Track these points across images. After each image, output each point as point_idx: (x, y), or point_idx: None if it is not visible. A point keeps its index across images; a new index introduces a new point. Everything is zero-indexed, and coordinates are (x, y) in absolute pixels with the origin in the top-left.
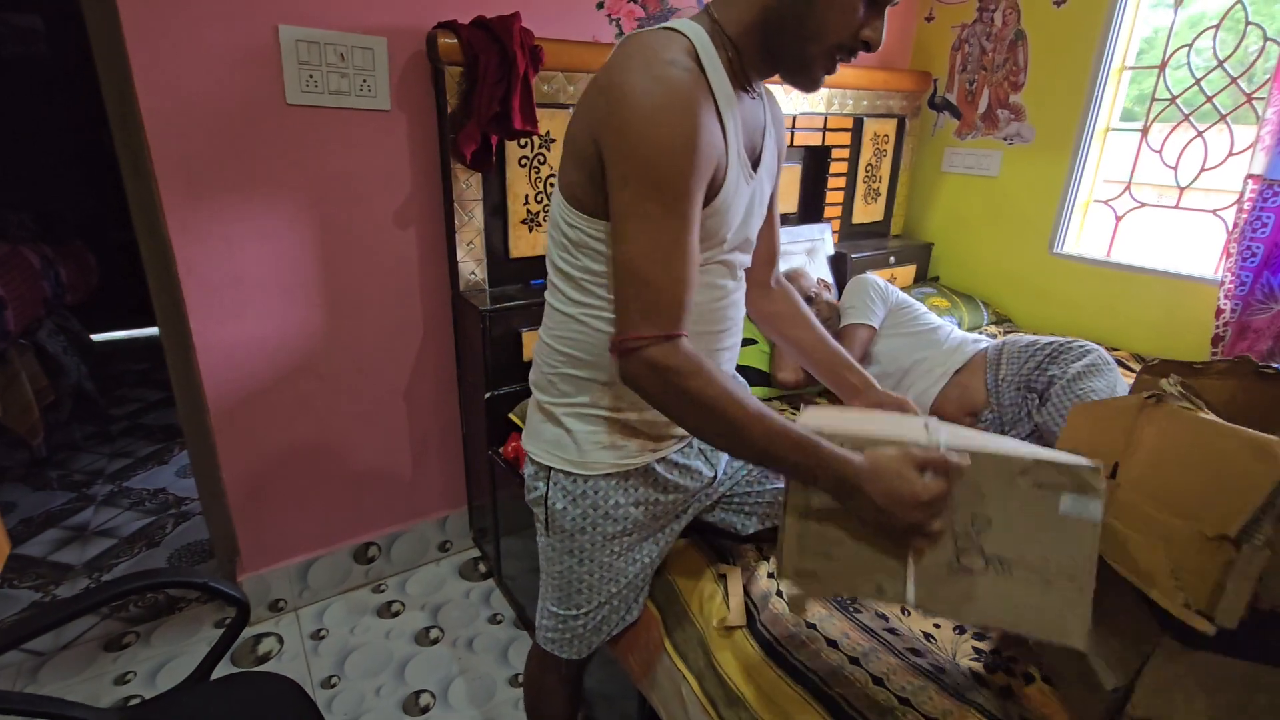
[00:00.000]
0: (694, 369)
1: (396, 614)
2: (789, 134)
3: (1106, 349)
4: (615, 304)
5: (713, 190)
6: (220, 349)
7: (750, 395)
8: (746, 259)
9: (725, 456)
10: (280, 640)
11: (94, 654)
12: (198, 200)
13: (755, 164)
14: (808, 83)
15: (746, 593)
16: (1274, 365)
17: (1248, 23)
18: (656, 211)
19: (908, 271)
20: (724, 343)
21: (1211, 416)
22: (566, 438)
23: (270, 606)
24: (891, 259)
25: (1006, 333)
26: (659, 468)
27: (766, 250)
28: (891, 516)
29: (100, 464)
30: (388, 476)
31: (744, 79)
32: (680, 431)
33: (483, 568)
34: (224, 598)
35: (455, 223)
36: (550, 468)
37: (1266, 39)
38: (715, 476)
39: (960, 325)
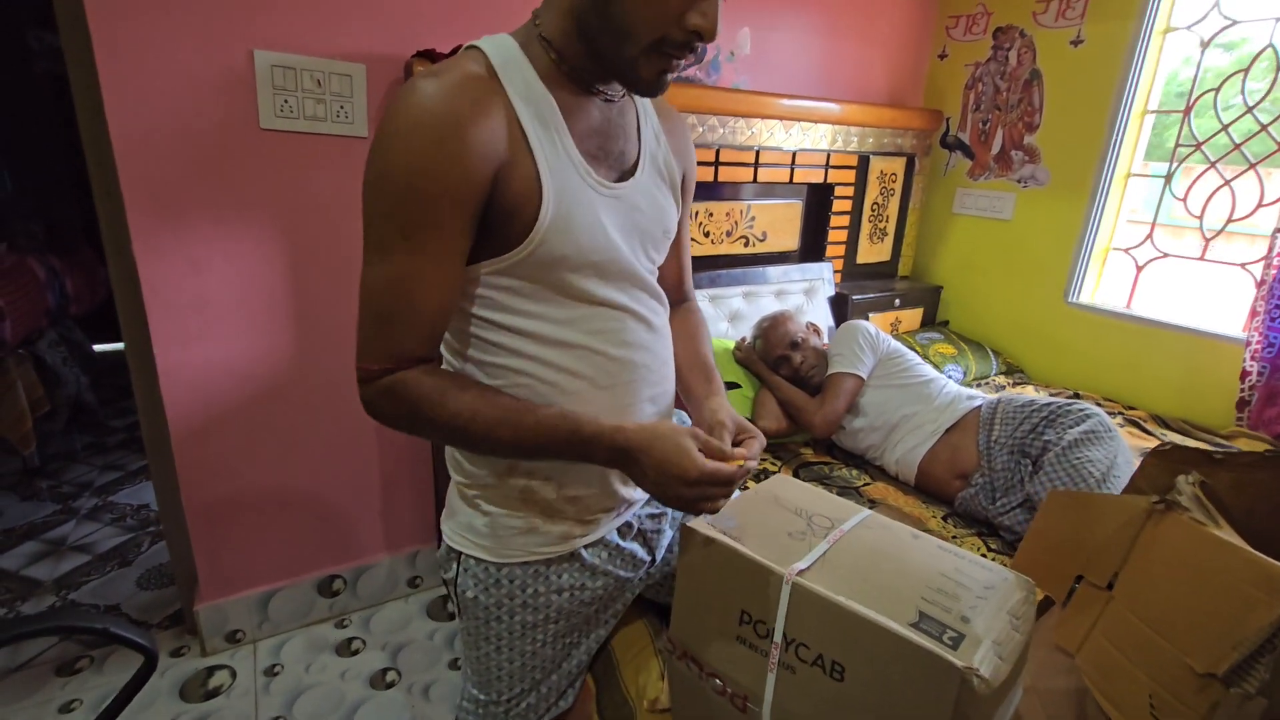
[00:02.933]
0: (421, 396)
1: (356, 652)
2: (788, 170)
3: (1124, 407)
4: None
5: (526, 213)
6: (184, 371)
7: (497, 397)
8: (649, 301)
9: (667, 537)
10: (233, 674)
11: (46, 677)
12: (165, 222)
13: (627, 172)
14: (641, 86)
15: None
16: None
17: None
18: (394, 243)
19: (915, 315)
20: (647, 392)
21: (1226, 533)
22: (479, 520)
23: (227, 638)
24: (897, 301)
25: (1017, 384)
26: (587, 554)
27: (668, 285)
28: (664, 488)
29: (90, 476)
30: (357, 507)
31: (584, 82)
32: (617, 507)
33: (451, 607)
34: (128, 645)
35: None
36: (460, 552)
37: None
38: (653, 560)
39: (967, 374)
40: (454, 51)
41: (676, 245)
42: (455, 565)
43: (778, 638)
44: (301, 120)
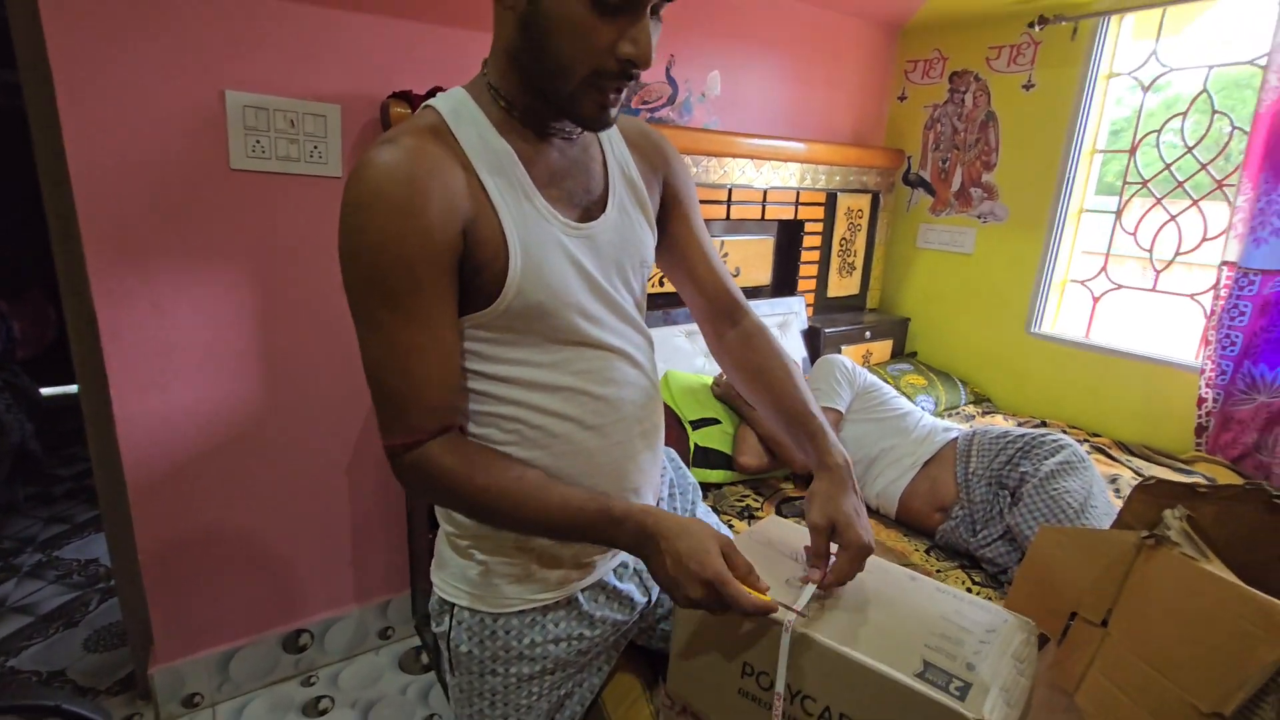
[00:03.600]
0: (444, 472)
1: (324, 712)
2: (760, 207)
3: (1087, 434)
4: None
5: (496, 267)
6: (143, 419)
7: (524, 474)
8: (634, 336)
9: None
10: None
11: None
12: (128, 264)
13: (595, 207)
14: (584, 121)
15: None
16: None
17: (1214, 111)
18: (381, 315)
19: (884, 346)
20: (634, 429)
21: (1217, 568)
22: (473, 570)
23: (184, 702)
24: (868, 334)
25: (985, 413)
26: (583, 599)
27: (702, 301)
28: (678, 582)
29: (34, 530)
30: (325, 557)
31: (538, 126)
32: (613, 551)
33: (425, 659)
34: None
35: None
36: (454, 604)
37: (1234, 127)
38: (650, 601)
39: (937, 405)
40: (430, 94)
41: (704, 256)
42: (448, 618)
43: (780, 688)
44: (274, 160)
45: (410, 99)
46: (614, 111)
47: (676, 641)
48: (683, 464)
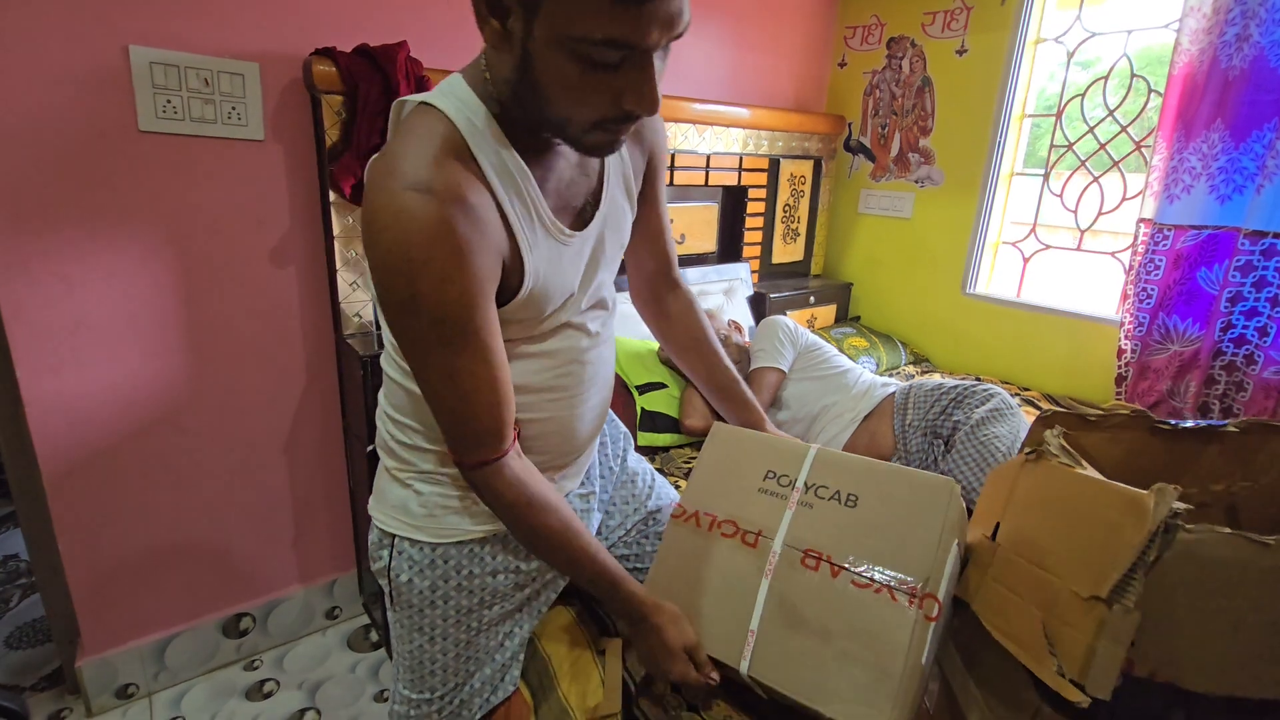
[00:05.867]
0: (509, 502)
1: (269, 695)
2: (703, 173)
3: (1019, 389)
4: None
5: (510, 285)
6: (56, 401)
7: (575, 524)
8: (601, 314)
9: (596, 518)
10: None
11: None
12: (28, 235)
13: (589, 212)
14: (591, 153)
15: (626, 670)
16: (1171, 421)
17: (1133, 75)
18: (434, 345)
19: (828, 311)
20: (585, 401)
21: (1090, 472)
22: (413, 501)
23: (118, 694)
24: (812, 299)
25: (924, 373)
26: None
27: (652, 264)
28: (655, 657)
29: None
30: (265, 539)
31: (545, 136)
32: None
33: (374, 636)
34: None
35: (336, 261)
36: (394, 535)
37: (1150, 90)
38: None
39: (879, 366)
40: (359, 51)
41: (663, 223)
42: (388, 551)
43: (800, 483)
44: (188, 122)
45: (335, 56)
46: (623, 139)
47: (700, 465)
48: (613, 415)
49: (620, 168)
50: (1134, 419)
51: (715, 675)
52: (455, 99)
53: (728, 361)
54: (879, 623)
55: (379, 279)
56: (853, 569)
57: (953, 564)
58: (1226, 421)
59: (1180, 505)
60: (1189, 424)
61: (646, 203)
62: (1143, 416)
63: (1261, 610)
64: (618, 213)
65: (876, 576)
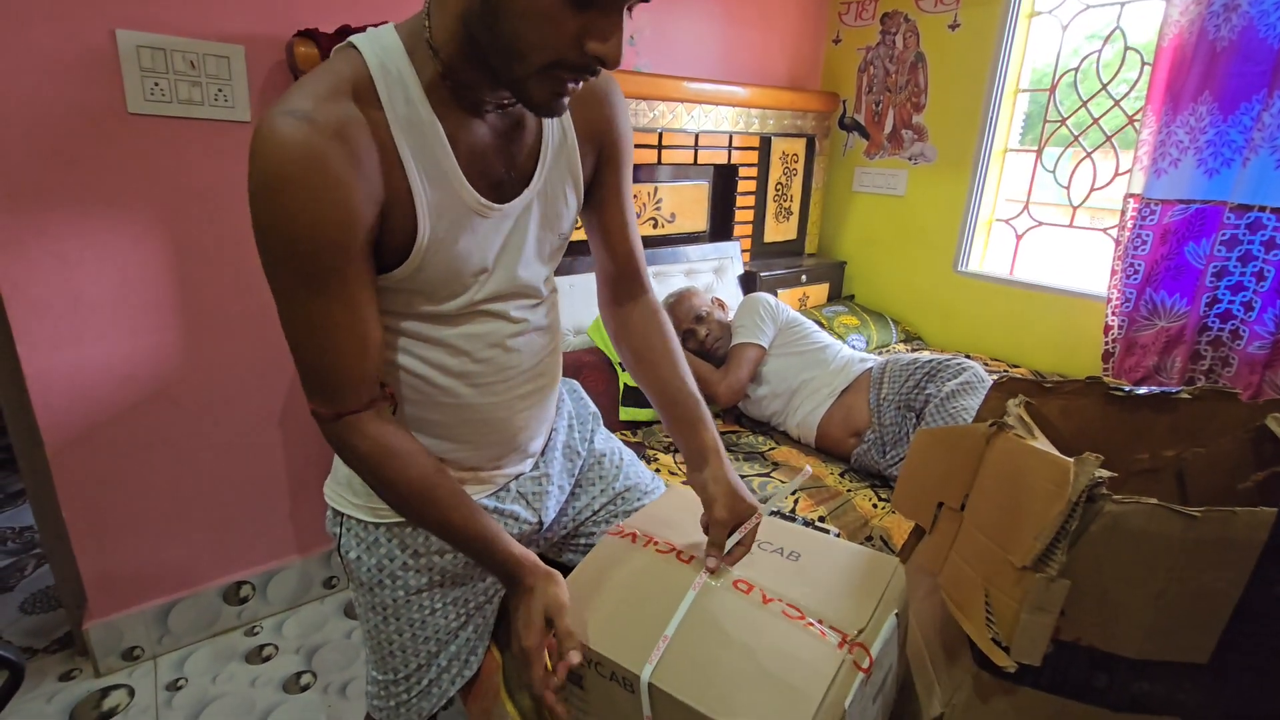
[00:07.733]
0: (364, 453)
1: (268, 659)
2: (692, 151)
3: (1008, 366)
4: None
5: (399, 244)
6: (56, 376)
7: (439, 477)
8: (526, 302)
9: (555, 499)
10: (131, 693)
11: None
12: (24, 215)
13: (510, 189)
14: (533, 107)
15: None
16: (1125, 387)
17: (1126, 47)
18: (298, 294)
19: (821, 290)
20: (514, 390)
21: (1040, 443)
22: (356, 479)
23: (124, 655)
24: (804, 277)
25: (914, 350)
26: None
27: (612, 266)
28: (518, 625)
29: None
30: (263, 509)
31: (472, 100)
32: (491, 473)
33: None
34: None
35: None
36: (343, 514)
37: (1144, 63)
38: (541, 523)
39: (869, 343)
40: (339, 34)
41: (622, 222)
42: (339, 529)
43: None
44: (175, 104)
45: (317, 38)
46: (567, 100)
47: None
48: (584, 394)
49: (565, 155)
50: (1088, 386)
51: (576, 656)
52: (378, 43)
53: (690, 384)
54: (806, 650)
55: (251, 210)
56: (783, 601)
57: (889, 631)
58: (1180, 389)
59: (1103, 474)
60: (1142, 391)
61: (601, 199)
62: (1098, 384)
63: (1185, 581)
64: (554, 201)
65: (808, 614)
